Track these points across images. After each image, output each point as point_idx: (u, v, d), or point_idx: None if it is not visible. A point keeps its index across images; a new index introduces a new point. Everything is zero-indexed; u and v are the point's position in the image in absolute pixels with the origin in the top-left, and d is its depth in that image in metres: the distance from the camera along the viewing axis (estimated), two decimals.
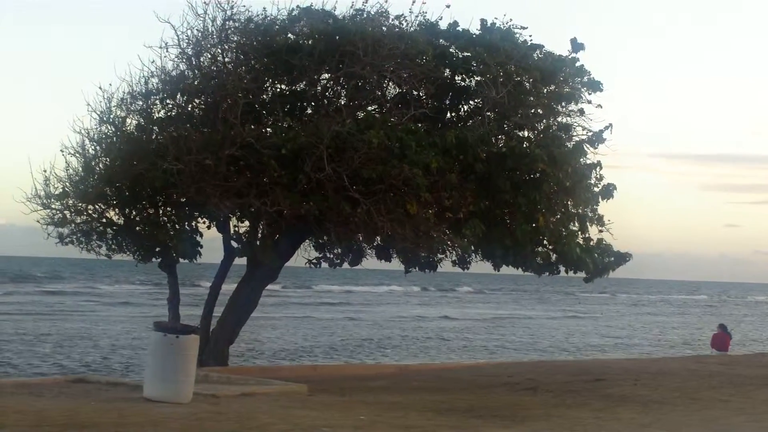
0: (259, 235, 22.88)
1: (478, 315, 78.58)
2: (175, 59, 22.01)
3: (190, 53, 21.88)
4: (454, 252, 22.83)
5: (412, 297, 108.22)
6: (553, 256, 22.75)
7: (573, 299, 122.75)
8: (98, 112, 21.85)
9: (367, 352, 43.93)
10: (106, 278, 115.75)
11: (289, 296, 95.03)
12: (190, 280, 72.37)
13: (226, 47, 22.03)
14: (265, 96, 22.33)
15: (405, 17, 22.24)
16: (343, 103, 21.87)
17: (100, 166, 21.68)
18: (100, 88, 21.91)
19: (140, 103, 22.01)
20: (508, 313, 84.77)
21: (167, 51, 21.85)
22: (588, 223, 22.96)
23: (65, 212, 21.80)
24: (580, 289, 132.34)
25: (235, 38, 22.05)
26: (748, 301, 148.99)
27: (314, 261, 23.85)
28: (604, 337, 59.31)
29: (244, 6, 22.04)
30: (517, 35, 22.84)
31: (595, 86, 23.11)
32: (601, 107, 23.06)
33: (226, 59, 22.00)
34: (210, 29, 21.79)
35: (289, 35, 22.10)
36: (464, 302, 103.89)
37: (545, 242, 22.52)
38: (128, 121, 22.09)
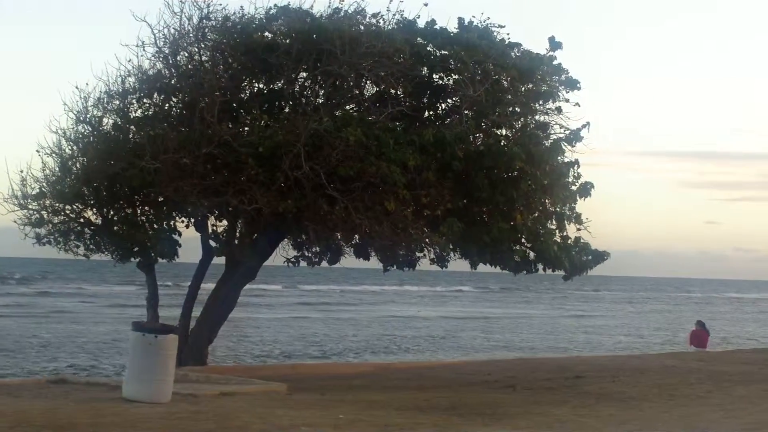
0: (237, 234, 22.85)
1: (478, 314, 78.32)
2: (152, 58, 22.01)
3: (166, 52, 21.84)
4: (432, 250, 22.83)
5: (422, 297, 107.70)
6: (531, 255, 22.76)
7: (573, 297, 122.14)
8: (75, 112, 21.85)
9: (375, 350, 43.99)
10: (89, 278, 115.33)
11: (286, 296, 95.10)
12: (174, 280, 72.17)
13: (203, 46, 21.97)
14: (242, 95, 22.30)
15: (382, 16, 22.29)
16: (320, 101, 21.84)
17: (77, 165, 21.65)
18: (76, 87, 21.96)
19: (117, 102, 21.97)
20: (517, 312, 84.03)
21: (144, 50, 21.86)
22: (566, 222, 22.98)
23: (42, 212, 21.76)
24: (567, 286, 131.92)
25: (212, 37, 21.98)
26: (745, 298, 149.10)
27: (293, 260, 23.81)
28: (628, 336, 58.84)
29: (221, 4, 22.13)
30: (495, 34, 22.87)
31: (572, 84, 23.16)
32: (579, 105, 23.14)
33: (203, 58, 21.96)
34: (187, 28, 21.77)
35: (267, 34, 22.07)
36: (463, 301, 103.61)
37: (523, 240, 22.52)
38: (105, 120, 22.08)
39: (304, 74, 21.99)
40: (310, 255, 24.04)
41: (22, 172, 21.56)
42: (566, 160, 22.90)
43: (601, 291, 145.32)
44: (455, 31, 22.78)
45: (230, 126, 21.05)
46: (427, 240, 21.67)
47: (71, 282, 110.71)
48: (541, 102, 23.11)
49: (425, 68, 22.46)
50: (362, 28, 21.83)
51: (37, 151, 21.72)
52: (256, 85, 22.46)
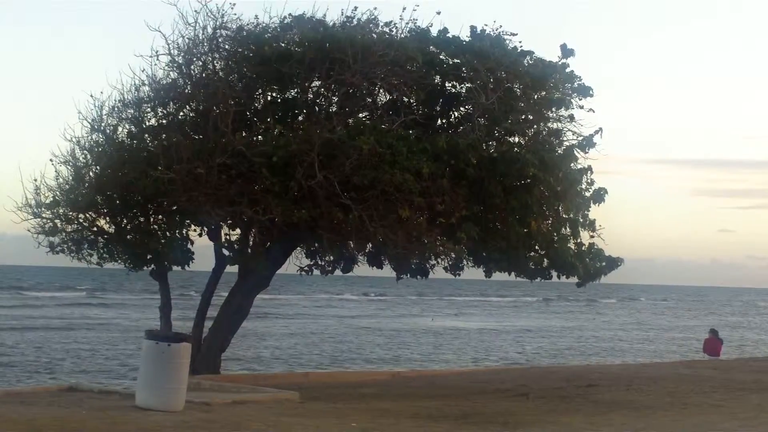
0: (251, 243, 22.86)
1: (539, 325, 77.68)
2: (166, 67, 22.05)
3: (180, 61, 21.88)
4: (446, 258, 22.81)
5: (473, 307, 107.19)
6: (545, 261, 22.76)
7: (621, 306, 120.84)
8: (89, 120, 21.90)
9: (388, 358, 43.95)
10: (102, 286, 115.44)
11: (322, 304, 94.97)
12: (193, 288, 71.92)
13: (217, 55, 22.03)
14: (256, 104, 22.32)
15: (395, 24, 22.26)
16: (334, 110, 21.85)
17: (91, 174, 21.67)
18: (91, 96, 21.98)
19: (131, 111, 22.01)
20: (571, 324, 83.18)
21: (158, 59, 21.90)
22: (579, 228, 22.98)
23: (56, 221, 21.78)
24: (586, 294, 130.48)
25: (226, 46, 22.04)
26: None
27: (306, 268, 23.82)
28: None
29: (235, 14, 22.06)
30: (507, 41, 22.85)
31: (585, 92, 23.14)
32: (593, 111, 23.11)
33: (217, 67, 22.01)
34: (201, 37, 21.80)
35: (280, 43, 22.09)
36: (529, 311, 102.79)
37: (537, 247, 22.52)
38: (119, 129, 22.13)
39: (317, 83, 22.01)
40: (323, 264, 24.05)
41: (35, 180, 21.64)
42: (579, 166, 22.92)
43: (627, 298, 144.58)
44: (468, 39, 22.77)
45: (244, 135, 21.08)
46: (441, 248, 21.66)
47: (81, 290, 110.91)
48: (553, 109, 23.10)
49: (438, 76, 22.48)
50: (375, 36, 21.84)
51: (51, 160, 21.79)
52: (270, 94, 22.49)
